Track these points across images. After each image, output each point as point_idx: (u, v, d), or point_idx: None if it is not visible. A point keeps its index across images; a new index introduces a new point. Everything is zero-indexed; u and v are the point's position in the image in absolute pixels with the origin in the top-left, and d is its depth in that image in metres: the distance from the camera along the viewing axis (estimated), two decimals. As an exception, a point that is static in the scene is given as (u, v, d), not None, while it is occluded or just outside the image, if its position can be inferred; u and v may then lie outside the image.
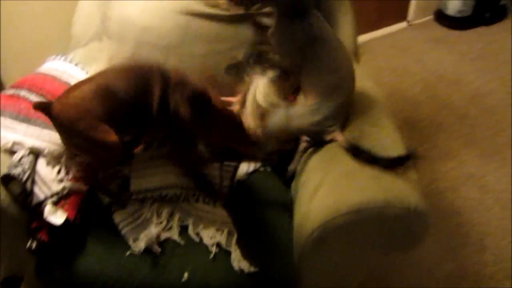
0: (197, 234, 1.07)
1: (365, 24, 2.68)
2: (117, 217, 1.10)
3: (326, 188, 1.00)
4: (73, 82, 1.33)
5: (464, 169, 1.93)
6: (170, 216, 1.11)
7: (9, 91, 1.24)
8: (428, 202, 1.73)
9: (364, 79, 1.31)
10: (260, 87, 1.11)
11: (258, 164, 1.26)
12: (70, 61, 1.41)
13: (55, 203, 1.07)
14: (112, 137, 0.99)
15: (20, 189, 1.05)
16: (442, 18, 2.83)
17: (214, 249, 1.04)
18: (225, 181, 1.20)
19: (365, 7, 2.61)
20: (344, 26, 1.47)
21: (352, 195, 0.94)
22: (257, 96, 1.11)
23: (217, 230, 1.07)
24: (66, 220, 1.04)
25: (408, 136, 2.08)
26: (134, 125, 1.09)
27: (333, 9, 1.46)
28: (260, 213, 1.15)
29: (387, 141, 1.08)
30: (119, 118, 1.02)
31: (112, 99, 1.01)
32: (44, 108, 1.02)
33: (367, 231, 0.97)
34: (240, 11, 1.28)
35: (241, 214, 1.12)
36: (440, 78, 2.42)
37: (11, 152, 1.11)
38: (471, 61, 2.51)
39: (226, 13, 1.29)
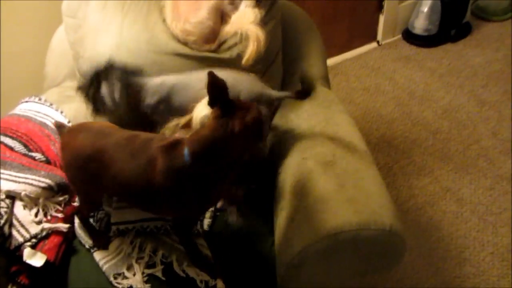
0: (183, 271, 1.07)
1: (336, 47, 2.76)
2: (98, 255, 1.10)
3: (302, 215, 1.02)
4: (48, 122, 1.34)
5: (440, 183, 1.98)
6: (153, 252, 1.11)
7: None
8: (407, 219, 1.81)
9: (333, 105, 1.36)
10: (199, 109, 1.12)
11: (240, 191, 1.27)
12: (45, 101, 1.42)
13: (34, 245, 1.07)
14: None
15: (-3, 233, 1.04)
16: (410, 37, 2.93)
17: (202, 286, 1.05)
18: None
19: (335, 29, 2.70)
20: (312, 53, 1.52)
21: (327, 220, 0.96)
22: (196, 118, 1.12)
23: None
24: (47, 262, 1.03)
25: (384, 153, 2.13)
26: None
27: (300, 37, 1.51)
28: (243, 242, 1.17)
29: (360, 165, 1.11)
30: None
31: None
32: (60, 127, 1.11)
33: (345, 254, 0.99)
34: (209, 50, 1.33)
35: (222, 247, 1.13)
36: (412, 95, 2.49)
37: (-13, 196, 1.11)
38: (440, 77, 2.59)
39: (199, 53, 1.33)
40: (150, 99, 1.18)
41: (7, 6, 1.69)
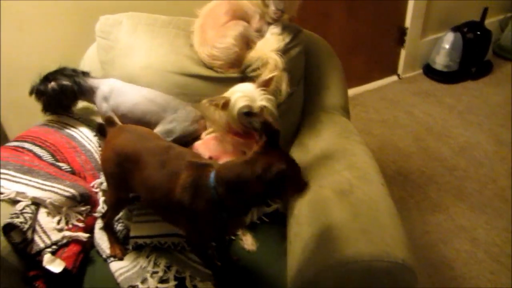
0: (194, 286, 1.09)
1: (356, 78, 2.80)
2: (114, 266, 1.13)
3: (316, 242, 1.03)
4: (75, 134, 1.40)
5: (455, 221, 1.96)
6: (168, 267, 1.13)
7: (13, 143, 1.30)
8: (420, 255, 1.79)
9: (352, 135, 1.38)
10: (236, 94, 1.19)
11: (256, 215, 1.30)
12: (73, 114, 1.48)
13: (54, 252, 1.10)
14: None
15: (21, 238, 1.08)
16: (430, 72, 2.95)
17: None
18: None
19: (356, 61, 2.75)
20: (334, 83, 1.55)
21: (340, 249, 0.97)
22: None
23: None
24: (64, 269, 1.06)
25: (400, 187, 2.13)
26: None
27: (322, 67, 1.55)
28: (255, 264, 1.18)
29: (375, 196, 1.13)
30: None
31: None
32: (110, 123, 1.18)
33: (356, 284, 0.99)
34: (233, 74, 1.38)
35: (235, 267, 1.15)
36: (430, 130, 2.50)
37: (14, 202, 1.15)
38: (459, 114, 2.60)
39: (222, 75, 1.38)
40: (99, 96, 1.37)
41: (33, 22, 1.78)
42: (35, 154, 1.26)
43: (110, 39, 1.49)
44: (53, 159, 1.28)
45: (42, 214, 1.16)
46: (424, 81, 2.94)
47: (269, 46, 1.36)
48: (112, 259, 1.17)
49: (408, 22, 2.75)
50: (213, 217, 0.97)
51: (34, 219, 1.13)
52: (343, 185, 1.16)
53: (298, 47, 1.42)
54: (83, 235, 1.17)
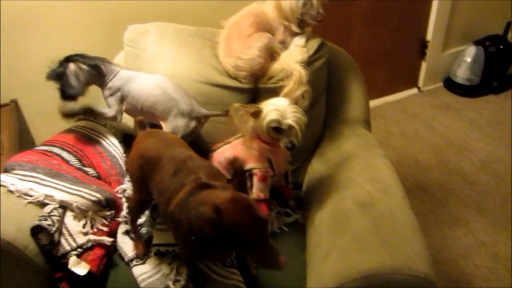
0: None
1: (376, 90, 2.80)
2: (137, 271, 1.15)
3: (337, 253, 1.04)
4: (101, 140, 1.43)
5: (475, 236, 1.94)
6: (189, 277, 1.15)
7: (42, 147, 1.34)
8: (439, 269, 1.77)
9: (374, 148, 1.39)
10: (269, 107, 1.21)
11: (276, 225, 1.31)
12: (99, 121, 1.51)
13: (79, 255, 1.13)
14: None
15: (48, 240, 1.11)
16: (451, 85, 2.94)
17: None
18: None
19: (377, 73, 2.75)
20: (356, 96, 1.57)
21: (361, 261, 0.97)
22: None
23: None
24: (89, 272, 1.09)
25: (419, 200, 2.12)
26: None
27: (344, 79, 1.57)
28: (274, 274, 1.18)
29: (397, 209, 1.13)
30: None
31: None
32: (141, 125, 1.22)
33: (377, 297, 0.99)
34: (257, 84, 1.41)
35: (255, 277, 1.16)
36: (450, 144, 2.48)
37: (42, 204, 1.18)
38: (480, 128, 2.57)
39: (246, 86, 1.41)
40: (113, 83, 1.36)
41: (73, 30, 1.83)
42: (63, 159, 1.29)
43: (138, 47, 1.53)
44: (80, 164, 1.31)
45: (69, 218, 1.19)
46: (444, 94, 2.92)
47: (293, 58, 1.38)
48: (134, 263, 1.19)
49: (429, 35, 2.74)
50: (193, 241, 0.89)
51: (61, 222, 1.16)
52: (364, 197, 1.17)
53: (321, 59, 1.44)
54: (107, 239, 1.20)
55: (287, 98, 1.22)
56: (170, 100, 1.31)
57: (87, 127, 1.48)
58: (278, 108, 1.17)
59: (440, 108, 2.79)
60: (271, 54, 1.42)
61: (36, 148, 1.35)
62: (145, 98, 1.33)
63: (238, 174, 1.03)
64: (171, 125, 1.31)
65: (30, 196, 1.17)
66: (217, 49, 1.47)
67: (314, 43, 1.43)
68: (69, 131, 1.45)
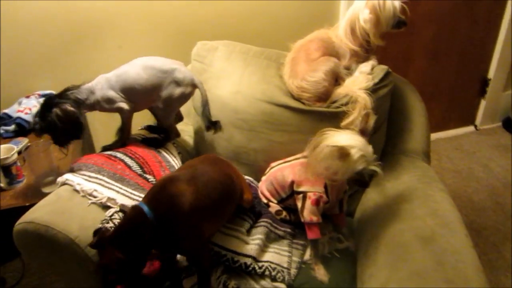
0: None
1: (432, 124, 2.70)
2: (187, 283, 1.16)
3: (395, 286, 1.00)
4: (162, 150, 1.47)
5: (532, 286, 1.83)
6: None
7: (106, 152, 1.39)
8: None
9: (434, 182, 1.35)
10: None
11: (327, 249, 1.29)
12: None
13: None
14: None
15: (108, 242, 1.14)
16: (510, 126, 2.83)
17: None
18: (294, 257, 1.24)
19: (433, 107, 2.69)
20: (417, 127, 1.54)
21: (423, 297, 0.94)
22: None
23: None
24: (144, 276, 1.10)
25: (472, 242, 2.02)
26: None
27: (407, 109, 1.54)
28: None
29: (460, 247, 1.09)
30: None
31: None
32: None
33: (436, 336, 0.95)
34: (319, 107, 1.40)
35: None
36: (508, 186, 2.37)
37: (104, 207, 1.22)
38: (540, 173, 2.45)
39: (308, 108, 1.41)
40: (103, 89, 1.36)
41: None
42: (126, 164, 1.33)
43: (205, 62, 1.58)
44: (141, 171, 1.35)
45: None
46: (503, 135, 2.82)
47: (358, 84, 1.38)
48: (184, 275, 1.19)
49: (491, 73, 2.67)
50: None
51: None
52: (425, 231, 1.13)
53: (386, 87, 1.42)
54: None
55: (358, 133, 1.18)
56: (159, 72, 1.37)
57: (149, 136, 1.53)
58: (364, 153, 1.12)
59: (498, 148, 2.69)
60: (335, 79, 1.42)
61: (100, 152, 1.40)
62: (138, 81, 1.36)
63: None
64: (165, 95, 1.38)
65: (94, 197, 1.21)
66: (282, 70, 1.50)
67: (380, 71, 1.42)
68: (131, 139, 1.49)
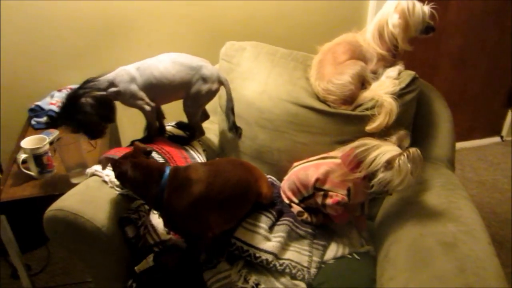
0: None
1: (456, 134, 2.68)
2: (207, 274, 1.18)
3: (416, 288, 1.01)
4: (187, 146, 1.50)
5: (555, 301, 1.79)
6: (256, 285, 1.16)
7: (134, 146, 1.43)
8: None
9: (458, 189, 1.35)
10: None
11: (347, 250, 1.29)
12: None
13: (161, 253, 1.18)
14: None
15: (133, 233, 1.17)
16: (538, 139, 2.78)
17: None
18: (314, 256, 1.25)
19: (459, 117, 2.65)
20: (442, 134, 1.53)
21: (443, 301, 0.94)
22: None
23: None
24: (166, 267, 1.13)
25: (495, 253, 1.99)
26: None
27: (432, 116, 1.54)
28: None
29: (482, 254, 1.08)
30: None
31: None
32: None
33: None
34: (345, 110, 1.41)
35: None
36: (533, 200, 2.33)
37: (130, 198, 1.25)
38: None
39: (333, 110, 1.42)
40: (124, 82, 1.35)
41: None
42: (152, 158, 1.37)
43: (233, 62, 1.61)
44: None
45: (154, 216, 1.25)
46: (529, 147, 2.77)
47: (384, 89, 1.38)
48: (204, 268, 1.22)
49: (519, 84, 2.63)
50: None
51: (146, 218, 1.23)
52: (447, 237, 1.13)
53: (413, 93, 1.43)
54: (183, 245, 1.24)
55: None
56: (187, 69, 1.38)
57: (173, 132, 1.57)
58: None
59: (524, 161, 2.65)
60: (362, 82, 1.43)
61: (128, 145, 1.44)
62: (166, 76, 1.37)
63: None
64: (193, 91, 1.39)
65: (122, 188, 1.25)
66: (309, 72, 1.51)
67: (407, 77, 1.43)
68: (158, 135, 1.53)
